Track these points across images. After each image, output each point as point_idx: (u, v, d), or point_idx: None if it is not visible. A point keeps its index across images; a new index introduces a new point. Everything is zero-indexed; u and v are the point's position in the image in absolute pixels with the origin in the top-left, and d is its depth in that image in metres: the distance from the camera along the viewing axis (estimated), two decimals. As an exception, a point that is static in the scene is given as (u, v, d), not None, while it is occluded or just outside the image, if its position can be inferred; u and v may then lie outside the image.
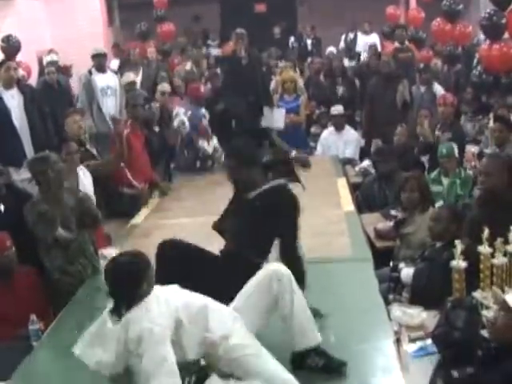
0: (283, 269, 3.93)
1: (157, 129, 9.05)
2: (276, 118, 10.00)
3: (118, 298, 3.61)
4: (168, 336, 3.49)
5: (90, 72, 9.42)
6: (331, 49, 15.02)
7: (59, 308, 5.27)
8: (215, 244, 4.75)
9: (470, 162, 7.88)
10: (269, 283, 3.88)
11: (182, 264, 4.29)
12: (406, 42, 12.48)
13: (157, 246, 4.43)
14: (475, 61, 11.77)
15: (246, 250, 4.34)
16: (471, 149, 8.52)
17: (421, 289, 5.07)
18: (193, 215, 6.05)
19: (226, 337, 3.65)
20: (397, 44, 12.46)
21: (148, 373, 3.38)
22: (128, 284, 3.58)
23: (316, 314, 4.17)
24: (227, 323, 3.73)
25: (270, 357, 3.69)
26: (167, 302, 3.62)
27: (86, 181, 6.60)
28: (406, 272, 5.25)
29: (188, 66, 12.68)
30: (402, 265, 5.41)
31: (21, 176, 7.40)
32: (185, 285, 3.87)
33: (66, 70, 12.75)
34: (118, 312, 3.58)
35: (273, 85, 11.40)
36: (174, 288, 3.80)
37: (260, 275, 3.95)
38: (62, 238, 5.54)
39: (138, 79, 11.25)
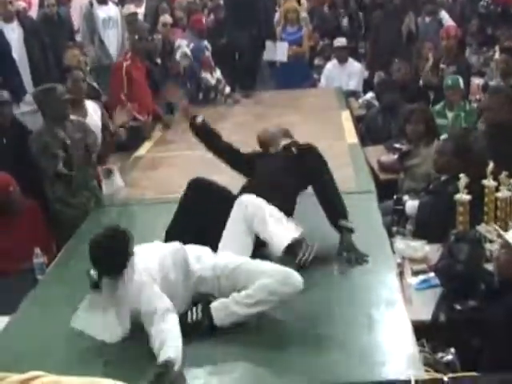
0: (244, 198, 4.25)
1: (159, 61, 8.95)
2: (279, 52, 9.93)
3: (105, 272, 3.62)
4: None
5: (90, 3, 9.26)
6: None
7: (63, 241, 5.28)
8: (215, 176, 4.77)
9: (474, 95, 7.82)
10: (238, 213, 4.21)
11: (208, 204, 4.42)
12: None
13: (186, 185, 4.55)
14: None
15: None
16: (476, 81, 8.46)
17: (424, 222, 5.08)
18: (195, 148, 5.99)
19: (213, 266, 3.75)
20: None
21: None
22: (116, 258, 3.59)
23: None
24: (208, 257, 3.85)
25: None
26: (146, 263, 3.66)
27: (94, 114, 6.52)
28: (411, 204, 5.24)
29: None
30: (406, 197, 5.40)
31: (21, 109, 7.38)
32: (209, 224, 4.26)
33: (66, 1, 12.55)
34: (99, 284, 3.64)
35: (277, 16, 11.26)
36: (147, 247, 3.86)
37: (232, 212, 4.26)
38: (63, 173, 5.54)
39: (141, 11, 11.06)
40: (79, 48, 8.20)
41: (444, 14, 10.51)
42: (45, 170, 5.59)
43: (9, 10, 7.98)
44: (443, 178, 5.28)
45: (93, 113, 6.44)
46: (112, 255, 3.56)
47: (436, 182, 5.36)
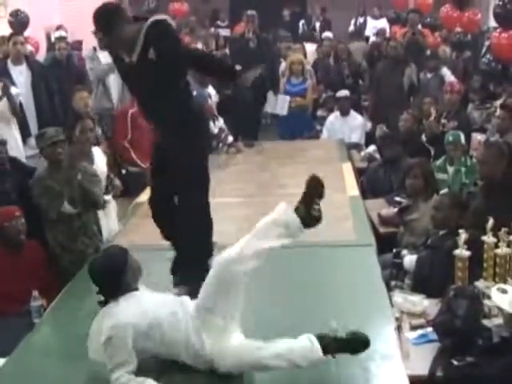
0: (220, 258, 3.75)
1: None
2: (279, 105, 10.01)
3: (103, 293, 3.69)
4: (130, 337, 3.52)
5: (94, 48, 9.34)
6: (327, 34, 14.72)
7: (62, 285, 5.28)
8: (217, 225, 4.76)
9: (476, 151, 7.86)
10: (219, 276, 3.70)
11: None
12: (419, 27, 12.38)
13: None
14: (484, 49, 11.72)
15: None
16: (477, 137, 8.50)
17: (423, 276, 5.08)
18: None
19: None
20: (408, 28, 12.37)
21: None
22: (109, 279, 3.65)
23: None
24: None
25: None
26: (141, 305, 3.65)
27: (99, 161, 6.56)
28: (409, 259, 5.27)
29: (199, 44, 12.65)
30: (404, 251, 5.42)
31: (26, 153, 7.42)
32: None
33: (78, 45, 12.73)
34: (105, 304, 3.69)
35: (282, 67, 11.38)
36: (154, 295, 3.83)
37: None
38: (66, 211, 5.56)
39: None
40: (88, 90, 8.25)
41: (446, 71, 10.61)
42: (46, 213, 5.63)
43: (19, 51, 8.06)
44: (441, 232, 5.30)
45: (98, 159, 6.49)
46: (104, 275, 3.64)
47: (434, 236, 5.38)
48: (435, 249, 5.18)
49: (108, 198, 6.14)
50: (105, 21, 4.33)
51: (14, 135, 7.20)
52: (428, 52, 11.73)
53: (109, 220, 6.29)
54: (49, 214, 5.62)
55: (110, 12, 4.38)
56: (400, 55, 10.13)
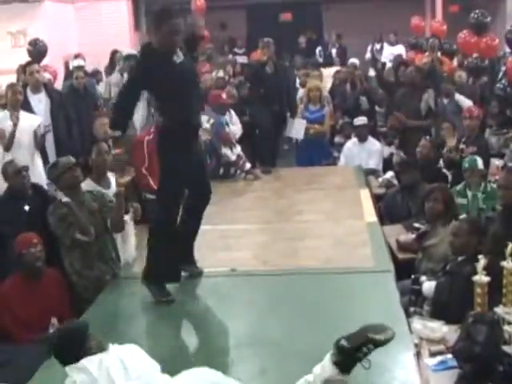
0: None
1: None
2: (296, 129, 10.01)
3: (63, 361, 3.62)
4: None
5: (121, 74, 9.37)
6: (353, 60, 14.84)
7: (78, 311, 5.29)
8: (234, 252, 4.76)
9: (494, 176, 7.83)
10: None
11: None
12: (438, 53, 12.39)
13: None
14: (500, 74, 11.69)
15: None
16: (496, 162, 8.47)
17: (442, 303, 5.05)
18: (214, 223, 6.06)
19: None
20: (427, 54, 12.37)
21: None
22: (70, 348, 3.59)
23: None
24: None
25: None
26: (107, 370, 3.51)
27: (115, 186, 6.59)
28: (428, 285, 5.23)
29: (220, 72, 12.72)
30: (423, 278, 5.39)
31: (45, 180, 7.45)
32: None
33: (97, 74, 12.84)
34: None
35: (300, 93, 11.39)
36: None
37: None
38: (80, 240, 5.59)
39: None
40: (108, 117, 8.30)
41: (459, 97, 10.58)
42: (62, 241, 5.65)
43: (37, 80, 8.11)
44: (460, 258, 5.27)
45: (115, 184, 6.51)
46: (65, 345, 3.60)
47: (453, 262, 5.35)
48: (454, 275, 5.15)
49: (126, 218, 6.13)
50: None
51: (36, 162, 7.25)
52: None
53: (127, 243, 6.26)
54: (64, 240, 5.65)
55: None
56: (419, 81, 10.13)
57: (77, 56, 12.27)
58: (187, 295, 5.32)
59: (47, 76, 10.34)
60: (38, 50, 10.88)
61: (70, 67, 11.86)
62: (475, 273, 4.59)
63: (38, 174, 7.05)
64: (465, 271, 4.94)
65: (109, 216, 5.80)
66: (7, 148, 7.18)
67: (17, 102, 7.47)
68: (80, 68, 10.39)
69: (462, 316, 4.41)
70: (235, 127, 9.64)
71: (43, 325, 4.96)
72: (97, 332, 3.76)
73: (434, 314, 5.01)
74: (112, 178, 6.54)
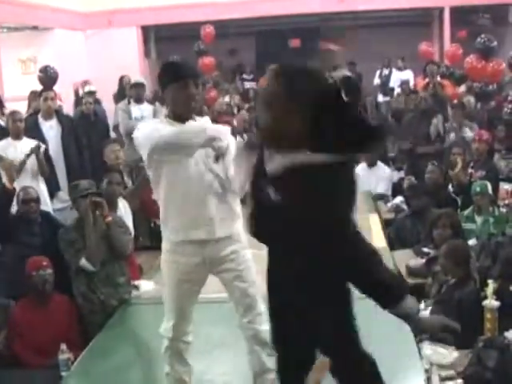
0: None
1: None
2: None
3: None
4: None
5: (128, 101, 9.43)
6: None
7: (85, 334, 5.31)
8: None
9: (503, 200, 7.83)
10: None
11: None
12: (438, 78, 12.43)
13: None
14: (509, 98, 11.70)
15: None
16: (505, 186, 8.47)
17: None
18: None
19: None
20: (430, 79, 12.43)
21: None
22: None
23: None
24: None
25: None
26: None
27: (125, 213, 6.63)
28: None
29: (227, 98, 12.78)
30: (421, 306, 5.37)
31: (54, 206, 7.49)
32: None
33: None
34: None
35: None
36: None
37: None
38: (85, 268, 5.64)
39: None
40: (119, 143, 8.34)
41: (465, 121, 10.60)
42: (69, 265, 5.69)
43: (50, 107, 8.17)
44: (452, 281, 5.28)
45: (124, 211, 6.55)
46: None
47: (446, 285, 5.34)
48: (445, 303, 5.11)
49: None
50: None
51: (41, 189, 7.27)
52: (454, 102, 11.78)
53: None
54: (71, 265, 5.71)
55: None
56: (427, 107, 10.17)
57: (85, 82, 12.36)
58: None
59: (59, 103, 10.42)
60: (49, 77, 10.92)
61: (80, 93, 11.94)
62: (466, 297, 4.60)
63: (43, 202, 7.05)
64: (456, 296, 4.95)
65: (120, 239, 5.83)
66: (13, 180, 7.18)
67: (18, 129, 7.52)
68: (91, 93, 10.47)
69: (473, 341, 4.41)
70: None
71: (53, 350, 4.96)
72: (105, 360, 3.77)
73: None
74: (121, 204, 6.59)
